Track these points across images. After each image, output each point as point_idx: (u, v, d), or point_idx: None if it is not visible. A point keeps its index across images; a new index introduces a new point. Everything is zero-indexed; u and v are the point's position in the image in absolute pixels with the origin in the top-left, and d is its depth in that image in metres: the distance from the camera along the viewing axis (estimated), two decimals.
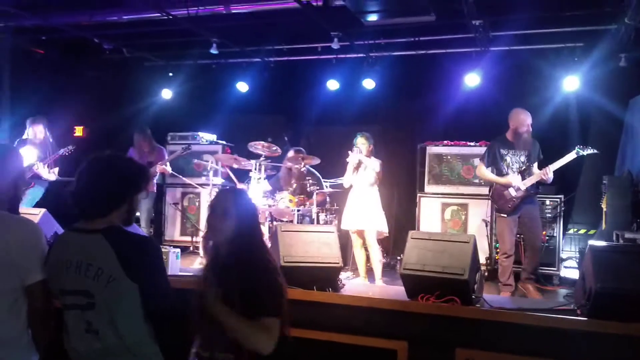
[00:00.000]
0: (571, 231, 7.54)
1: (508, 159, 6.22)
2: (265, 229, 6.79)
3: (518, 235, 6.48)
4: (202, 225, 7.77)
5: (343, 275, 5.60)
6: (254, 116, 9.94)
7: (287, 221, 7.01)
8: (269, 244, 4.84)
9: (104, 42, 8.91)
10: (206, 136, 9.33)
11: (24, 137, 7.42)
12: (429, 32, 8.03)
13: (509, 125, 6.29)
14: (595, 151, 6.04)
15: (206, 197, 7.88)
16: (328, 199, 7.41)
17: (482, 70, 8.24)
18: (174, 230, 9.07)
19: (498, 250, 7.41)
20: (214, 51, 8.53)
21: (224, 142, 9.28)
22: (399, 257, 7.27)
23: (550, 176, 6.00)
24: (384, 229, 6.80)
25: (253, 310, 2.65)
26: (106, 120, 9.45)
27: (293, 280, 4.50)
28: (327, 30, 7.83)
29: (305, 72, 9.44)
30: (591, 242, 4.50)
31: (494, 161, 6.31)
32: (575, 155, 5.96)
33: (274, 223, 6.89)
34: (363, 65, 8.89)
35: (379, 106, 9.44)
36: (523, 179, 6.09)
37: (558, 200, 7.28)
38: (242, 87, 9.63)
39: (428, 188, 8.04)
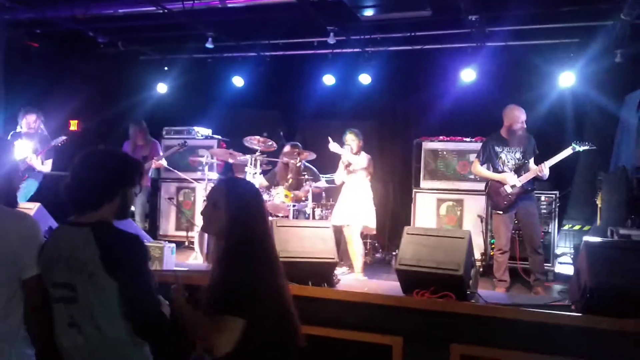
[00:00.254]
0: (566, 227, 7.56)
1: (503, 156, 6.22)
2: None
3: (514, 231, 6.49)
4: (197, 220, 7.76)
5: (338, 271, 5.61)
6: (249, 111, 9.92)
7: (282, 216, 7.00)
8: None
9: (99, 36, 8.86)
10: (201, 131, 9.31)
11: (18, 129, 7.38)
12: (425, 27, 8.01)
13: (503, 122, 6.29)
14: (592, 147, 6.04)
15: (201, 192, 7.87)
16: (324, 194, 7.40)
17: (478, 65, 8.23)
18: (169, 225, 9.06)
19: (494, 246, 7.45)
20: (209, 45, 8.50)
21: (219, 137, 9.26)
22: (394, 253, 7.28)
23: (546, 172, 6.01)
24: (370, 224, 6.74)
25: (214, 307, 2.52)
26: (101, 114, 9.43)
27: (288, 275, 4.48)
28: (323, 25, 7.81)
29: (301, 66, 9.42)
30: (586, 238, 4.52)
31: (489, 158, 6.31)
32: (571, 151, 5.96)
33: (270, 218, 6.88)
34: (359, 60, 8.88)
35: (375, 101, 9.44)
36: (519, 175, 6.09)
37: (553, 196, 7.29)
38: (238, 81, 9.61)
39: (423, 183, 8.05)
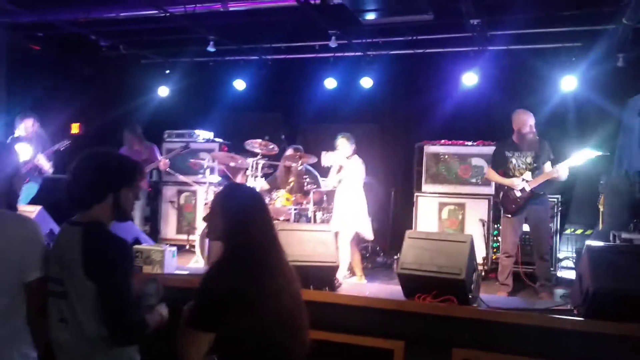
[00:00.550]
0: (568, 231, 7.55)
1: (514, 160, 6.19)
2: None
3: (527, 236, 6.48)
4: (199, 223, 7.75)
5: (340, 275, 5.59)
6: (251, 114, 9.93)
7: (283, 220, 6.98)
8: None
9: (100, 39, 8.88)
10: (203, 134, 9.31)
11: (16, 134, 7.39)
12: (426, 31, 8.02)
13: (513, 127, 6.27)
14: (605, 153, 6.04)
15: (202, 195, 7.86)
16: (325, 198, 7.39)
17: (479, 69, 8.24)
18: (170, 229, 9.05)
19: (495, 249, 7.45)
20: (211, 49, 8.51)
21: (220, 140, 9.26)
22: (396, 257, 7.27)
23: (562, 174, 5.96)
24: (363, 231, 6.68)
25: (184, 317, 2.56)
26: (102, 118, 9.42)
27: None
28: (325, 29, 7.81)
29: (303, 70, 9.43)
30: (588, 242, 4.50)
31: (501, 163, 6.28)
32: (586, 157, 5.92)
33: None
34: (361, 64, 8.89)
35: (377, 105, 9.45)
36: (529, 180, 6.06)
37: (555, 200, 7.28)
38: (240, 84, 9.62)
39: (425, 187, 8.04)
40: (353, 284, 6.15)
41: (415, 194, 8.06)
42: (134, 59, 10.13)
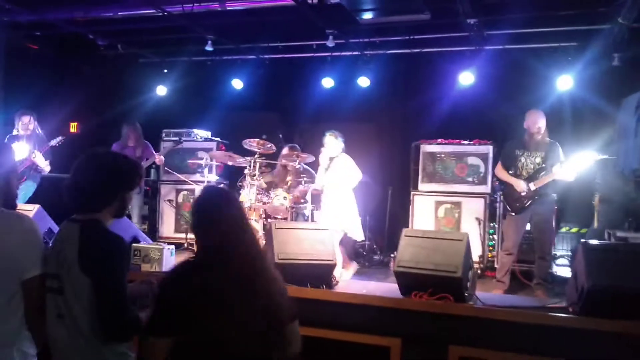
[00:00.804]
0: (563, 229, 7.57)
1: (522, 159, 6.20)
2: (259, 227, 6.79)
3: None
4: None
5: (337, 273, 5.62)
6: (248, 113, 9.94)
7: (281, 218, 7.01)
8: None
9: (98, 38, 8.90)
10: (201, 133, 9.33)
11: (14, 132, 7.41)
12: (423, 30, 8.05)
13: (524, 126, 6.28)
14: (612, 157, 6.07)
15: None
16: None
17: (476, 69, 8.27)
18: (168, 227, 9.07)
19: (491, 248, 7.48)
20: (209, 48, 8.53)
21: (218, 139, 9.28)
22: (392, 255, 7.30)
23: (568, 176, 5.96)
24: (352, 231, 6.57)
25: None
26: (100, 117, 9.44)
27: (287, 277, 4.50)
28: (322, 28, 7.84)
29: (300, 69, 9.45)
30: (583, 240, 4.53)
31: (510, 161, 6.29)
32: (593, 160, 5.96)
33: (269, 220, 6.90)
34: (358, 63, 8.92)
35: (374, 104, 9.46)
36: (535, 179, 6.08)
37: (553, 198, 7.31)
38: (237, 84, 9.63)
39: (422, 186, 8.06)
40: (350, 282, 6.17)
41: (412, 192, 8.08)
42: (132, 58, 10.14)
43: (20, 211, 2.97)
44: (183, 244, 8.35)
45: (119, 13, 7.79)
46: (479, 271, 7.00)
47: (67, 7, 7.70)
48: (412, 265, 4.36)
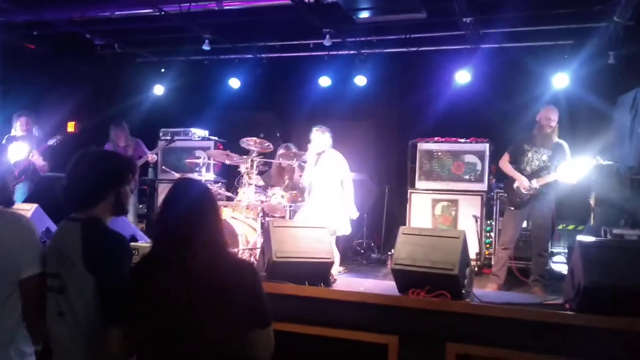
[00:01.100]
0: (560, 227, 7.60)
1: (530, 154, 6.21)
2: (257, 225, 6.81)
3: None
4: None
5: (334, 271, 5.64)
6: (246, 112, 9.95)
7: (279, 217, 7.03)
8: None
9: (95, 38, 8.90)
10: (198, 132, 9.34)
11: (12, 133, 7.42)
12: (420, 29, 8.07)
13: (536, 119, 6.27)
14: (616, 163, 6.09)
15: None
16: None
17: (472, 67, 8.29)
18: None
19: (488, 245, 7.51)
20: (206, 47, 8.53)
21: (216, 138, 9.29)
22: (390, 253, 7.32)
23: (571, 178, 5.98)
24: (339, 229, 6.51)
25: None
26: (98, 116, 9.43)
27: (285, 275, 4.55)
28: (319, 27, 7.85)
29: (297, 68, 9.47)
30: (580, 237, 4.55)
31: (517, 153, 6.29)
32: (595, 163, 5.98)
33: (266, 219, 6.91)
34: (355, 62, 8.93)
35: (371, 103, 9.49)
36: (538, 177, 6.10)
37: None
38: (235, 83, 9.64)
39: (419, 184, 8.08)
40: (348, 280, 6.19)
41: (409, 190, 8.10)
42: (129, 57, 10.14)
43: (17, 210, 2.98)
44: None
45: (116, 12, 7.80)
46: (476, 268, 7.03)
47: (64, 6, 7.70)
48: (409, 263, 4.38)
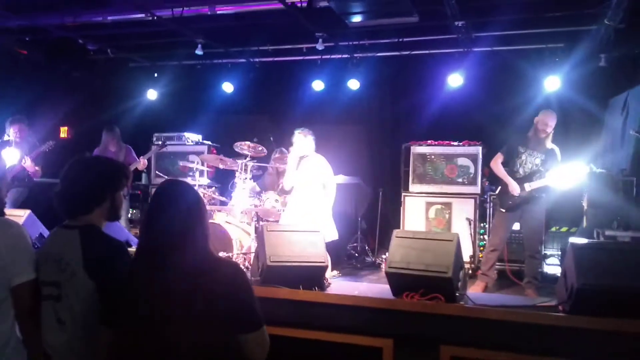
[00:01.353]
0: (553, 229, 7.63)
1: (523, 157, 6.22)
2: (251, 229, 6.81)
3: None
4: None
5: (329, 274, 5.63)
6: (239, 117, 9.96)
7: (273, 221, 7.02)
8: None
9: (88, 43, 8.89)
10: (192, 137, 9.34)
11: (5, 138, 7.39)
12: (412, 33, 8.10)
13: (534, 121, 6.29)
14: (610, 172, 6.11)
15: None
16: None
17: (465, 70, 8.33)
18: None
19: (482, 248, 7.53)
20: (199, 52, 8.54)
21: (209, 143, 9.29)
22: (384, 256, 7.33)
23: (562, 184, 6.02)
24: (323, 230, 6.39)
25: None
26: (91, 121, 9.41)
27: (279, 279, 4.54)
28: (312, 31, 7.87)
29: (291, 72, 9.48)
30: (572, 239, 4.57)
31: (510, 155, 6.30)
32: (588, 170, 6.02)
33: (260, 223, 6.90)
34: (347, 66, 8.95)
35: (364, 106, 9.52)
36: (530, 181, 6.12)
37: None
38: (228, 87, 9.65)
39: (412, 187, 8.10)
40: (342, 284, 6.18)
41: (403, 194, 8.12)
42: (122, 62, 10.13)
43: (9, 217, 2.97)
44: None
45: (109, 17, 7.81)
46: (469, 271, 7.04)
47: (57, 12, 7.69)
48: (403, 266, 4.37)
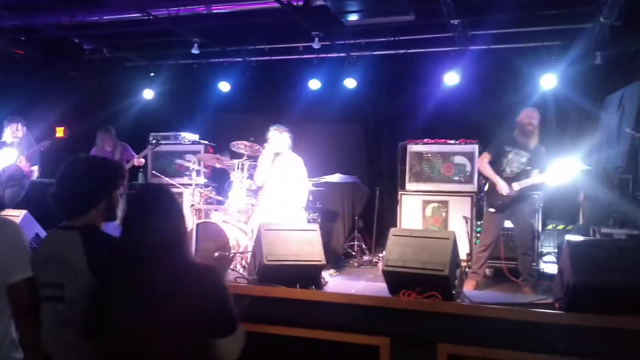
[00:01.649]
0: (550, 227, 7.64)
1: (510, 156, 6.24)
2: (248, 229, 6.80)
3: (501, 231, 6.57)
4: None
5: (325, 273, 5.64)
6: (236, 116, 9.95)
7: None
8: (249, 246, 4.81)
9: (84, 43, 8.88)
10: (188, 136, 9.32)
11: (2, 139, 7.39)
12: (408, 31, 8.10)
13: (517, 120, 6.31)
14: (599, 170, 6.14)
15: (188, 197, 7.89)
16: (311, 197, 7.44)
17: (461, 69, 8.34)
18: None
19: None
20: (195, 51, 8.54)
21: (206, 142, 9.28)
22: (381, 254, 7.34)
23: (551, 182, 6.05)
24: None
25: None
26: (87, 121, 9.41)
27: (276, 278, 4.55)
28: (308, 30, 7.87)
29: (287, 71, 9.48)
30: (568, 237, 4.58)
31: (497, 155, 6.31)
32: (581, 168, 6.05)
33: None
34: (344, 65, 8.95)
35: (360, 105, 9.53)
36: (518, 179, 6.14)
37: (537, 196, 7.38)
38: (224, 86, 9.65)
39: (409, 186, 8.10)
40: (339, 282, 6.19)
41: (400, 192, 8.12)
42: (118, 61, 10.12)
43: (6, 216, 2.97)
44: None
45: (105, 17, 7.79)
46: (466, 269, 7.05)
47: (53, 11, 7.68)
48: (400, 265, 4.38)
